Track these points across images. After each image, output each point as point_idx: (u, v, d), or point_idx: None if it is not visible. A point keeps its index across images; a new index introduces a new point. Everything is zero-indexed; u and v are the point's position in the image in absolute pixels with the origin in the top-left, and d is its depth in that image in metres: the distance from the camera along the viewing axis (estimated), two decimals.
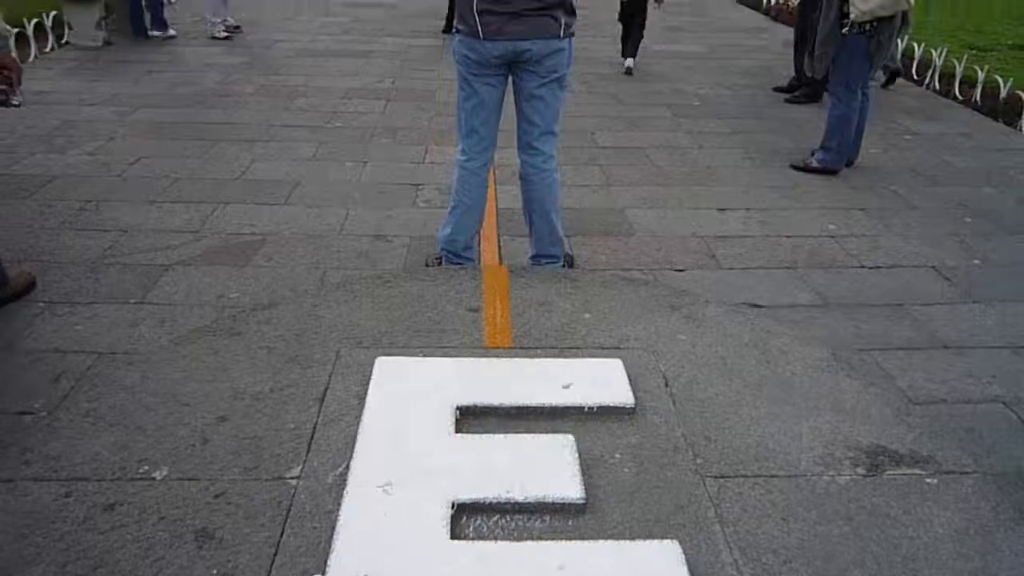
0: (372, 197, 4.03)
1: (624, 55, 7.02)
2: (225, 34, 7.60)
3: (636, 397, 2.23)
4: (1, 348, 2.62)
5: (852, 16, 4.22)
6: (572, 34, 2.83)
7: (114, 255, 3.32)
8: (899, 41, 4.52)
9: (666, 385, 2.35)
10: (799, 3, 6.35)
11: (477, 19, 2.70)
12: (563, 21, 2.76)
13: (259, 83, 6.06)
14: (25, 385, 2.41)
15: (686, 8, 10.33)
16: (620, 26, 7.10)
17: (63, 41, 7.10)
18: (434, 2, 9.34)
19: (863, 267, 3.49)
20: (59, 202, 3.85)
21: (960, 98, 6.46)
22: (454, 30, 2.85)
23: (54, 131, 4.85)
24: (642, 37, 7.01)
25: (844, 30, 4.31)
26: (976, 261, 3.61)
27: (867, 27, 4.26)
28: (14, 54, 2.92)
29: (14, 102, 2.94)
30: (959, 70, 6.62)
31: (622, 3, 7.07)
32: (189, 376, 2.38)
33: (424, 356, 2.42)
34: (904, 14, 4.29)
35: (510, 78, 2.90)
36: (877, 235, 3.82)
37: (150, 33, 7.59)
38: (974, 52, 8.16)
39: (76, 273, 3.15)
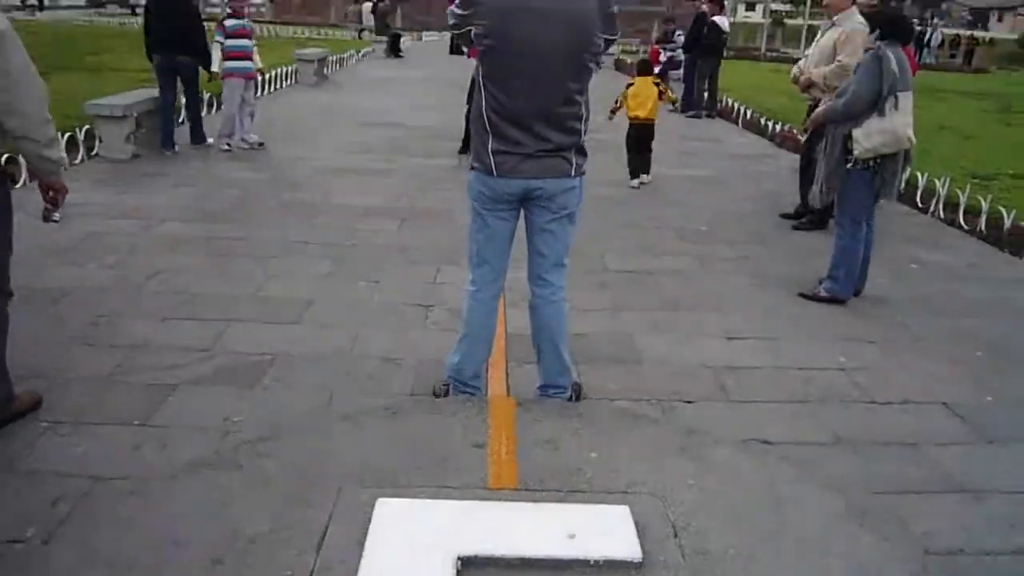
0: (383, 318, 4.06)
1: (632, 176, 7.34)
2: (227, 147, 7.90)
3: (644, 549, 2.16)
4: (0, 468, 2.60)
5: (856, 153, 4.35)
6: (583, 173, 2.93)
7: (122, 373, 3.34)
8: (902, 176, 4.64)
9: (675, 536, 2.29)
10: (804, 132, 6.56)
11: (492, 158, 2.80)
12: (575, 161, 2.86)
13: (280, 199, 6.25)
14: (21, 509, 2.37)
15: (694, 133, 10.70)
16: (628, 158, 7.43)
17: (93, 153, 7.39)
18: (452, 123, 9.74)
19: (874, 402, 3.45)
20: (73, 316, 3.91)
21: (965, 227, 6.56)
22: (469, 167, 2.95)
23: (77, 243, 4.97)
24: (651, 156, 7.41)
25: (848, 165, 4.44)
26: (989, 398, 3.56)
27: (871, 163, 4.38)
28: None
29: (54, 218, 3.07)
30: (963, 199, 6.76)
31: (630, 131, 7.40)
32: (187, 512, 2.34)
33: (427, 497, 2.37)
34: (906, 152, 4.43)
35: (522, 211, 2.98)
36: (887, 369, 3.80)
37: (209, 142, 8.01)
38: (977, 181, 8.35)
39: (82, 391, 3.16)
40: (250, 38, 8.04)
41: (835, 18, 5.94)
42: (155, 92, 8.11)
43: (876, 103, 4.25)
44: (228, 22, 7.84)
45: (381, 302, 4.29)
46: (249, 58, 8.01)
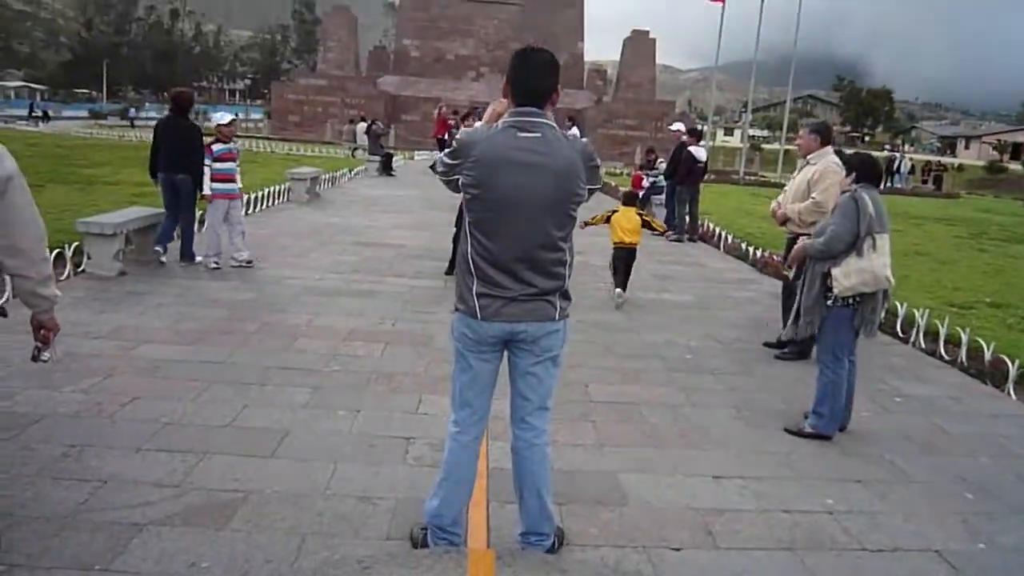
0: (362, 451, 3.97)
1: (616, 286, 7.80)
2: (216, 266, 8.00)
3: None
4: None
5: (836, 291, 4.43)
6: (567, 316, 2.94)
7: (88, 510, 3.21)
8: (881, 314, 4.70)
9: None
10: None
11: (476, 301, 2.82)
12: (559, 305, 2.88)
13: (263, 320, 6.23)
14: None
15: (676, 257, 10.91)
16: (612, 271, 7.90)
17: (80, 270, 7.40)
18: (439, 243, 9.91)
19: (864, 550, 3.36)
20: (43, 445, 3.79)
21: (946, 358, 6.61)
22: (453, 308, 2.96)
23: (54, 365, 4.88)
24: (630, 276, 7.86)
25: (829, 302, 4.51)
26: (981, 545, 3.49)
27: (850, 301, 4.46)
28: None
29: (43, 358, 3.02)
30: (943, 331, 6.85)
31: (615, 254, 7.78)
32: None
33: None
34: (885, 291, 4.51)
35: (505, 353, 2.97)
36: (876, 512, 3.72)
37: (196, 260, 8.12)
38: (955, 309, 8.51)
39: (45, 531, 3.02)
40: (235, 161, 8.30)
41: (808, 157, 6.20)
42: (146, 211, 8.31)
43: (854, 244, 4.37)
44: (216, 146, 8.12)
45: (360, 434, 4.20)
46: (234, 180, 8.28)
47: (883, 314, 4.80)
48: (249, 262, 8.25)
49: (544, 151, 2.74)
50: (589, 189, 2.87)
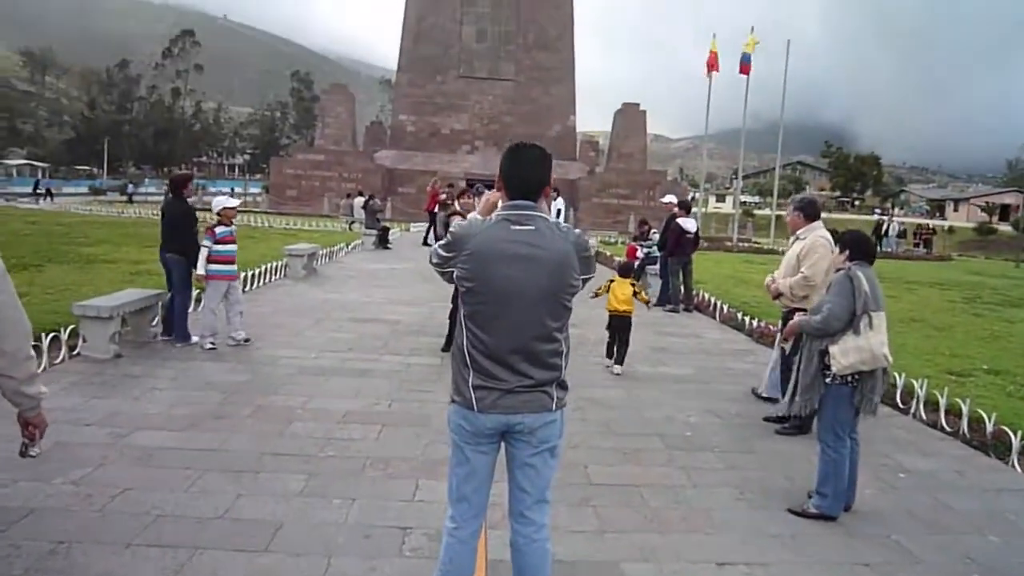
0: (357, 543, 3.88)
1: (608, 356, 8.18)
2: (211, 346, 7.97)
3: None
4: None
5: (834, 369, 4.43)
6: (564, 405, 2.93)
7: None
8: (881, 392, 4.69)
9: None
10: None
11: (472, 393, 2.81)
12: (556, 395, 2.87)
13: (257, 404, 6.17)
14: None
15: (672, 328, 10.91)
16: (607, 339, 8.24)
17: (75, 352, 7.37)
18: (435, 318, 9.91)
19: None
20: (30, 542, 3.71)
21: (948, 429, 6.55)
22: (450, 399, 2.95)
23: (45, 454, 4.79)
24: (628, 346, 8.11)
25: (827, 380, 4.50)
26: None
27: (849, 379, 4.44)
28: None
29: (31, 453, 2.98)
30: (943, 401, 6.81)
31: (611, 322, 8.17)
32: None
33: None
34: (884, 369, 4.50)
35: (503, 444, 2.94)
36: None
37: (193, 341, 8.10)
38: (953, 377, 8.48)
39: None
40: (235, 243, 8.39)
41: (798, 232, 6.29)
42: (142, 292, 8.39)
43: (851, 322, 4.39)
44: (218, 229, 8.17)
45: (356, 524, 4.11)
46: (233, 262, 8.37)
47: (883, 391, 4.77)
48: (246, 340, 8.24)
49: (538, 243, 2.77)
50: (583, 279, 2.89)
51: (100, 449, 5.00)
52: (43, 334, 7.22)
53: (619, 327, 8.17)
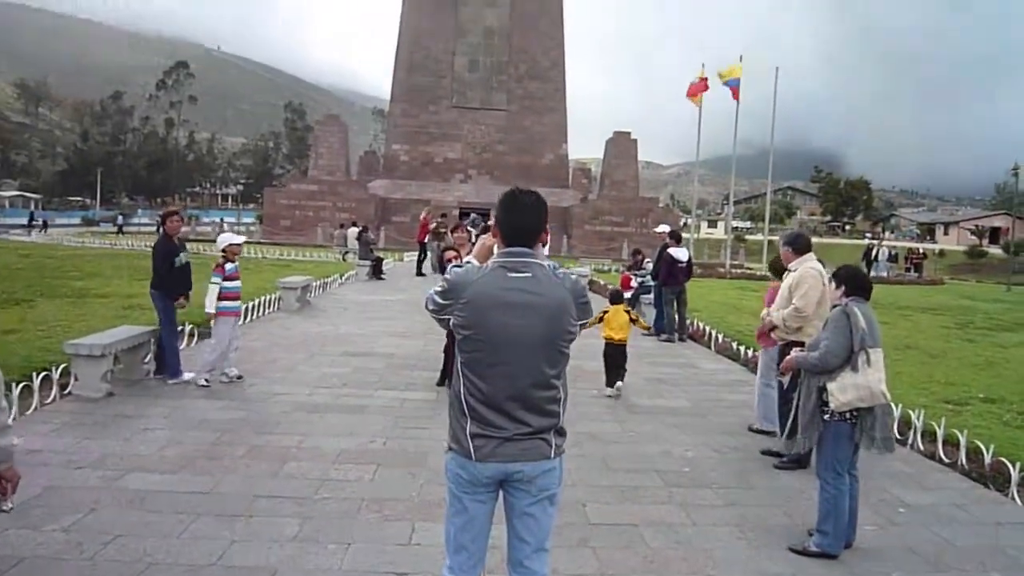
0: None
1: (608, 385, 8.35)
2: (205, 383, 7.90)
3: None
4: None
5: (832, 406, 4.41)
6: (563, 452, 2.90)
7: None
8: (892, 429, 4.65)
9: None
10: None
11: (470, 442, 2.78)
12: (554, 443, 2.84)
13: (251, 443, 6.10)
14: None
15: (668, 359, 10.89)
16: (604, 367, 8.45)
17: (66, 391, 7.30)
18: (430, 351, 9.86)
19: None
20: None
21: (946, 461, 6.52)
22: (447, 447, 2.91)
23: (35, 500, 4.75)
24: (624, 371, 8.43)
25: (826, 417, 4.47)
26: None
27: (847, 416, 4.43)
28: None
29: (4, 508, 2.93)
30: (940, 432, 6.78)
31: (606, 350, 8.40)
32: None
33: None
34: (885, 405, 4.48)
35: (501, 493, 2.91)
36: None
37: (184, 377, 8.03)
38: (950, 406, 8.46)
39: None
40: (240, 279, 8.41)
41: (789, 265, 6.31)
42: (135, 329, 8.34)
43: (849, 358, 4.38)
44: (228, 265, 8.20)
45: (351, 570, 4.05)
46: (240, 298, 8.41)
47: (894, 429, 4.72)
48: (239, 376, 8.18)
49: (535, 291, 2.77)
50: (580, 324, 2.88)
51: (91, 493, 4.93)
52: (34, 373, 7.17)
53: (614, 355, 8.35)
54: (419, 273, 22.39)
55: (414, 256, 24.41)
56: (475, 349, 2.78)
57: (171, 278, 8.10)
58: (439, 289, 2.88)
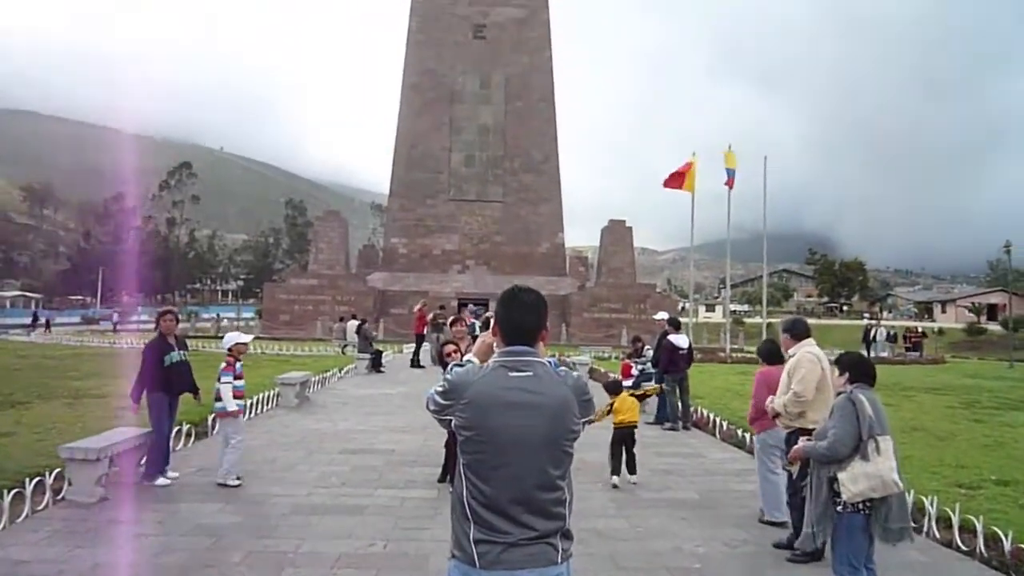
0: None
1: (613, 473, 8.27)
2: (237, 482, 7.88)
3: None
4: None
5: (844, 497, 4.31)
6: (570, 556, 2.81)
7: None
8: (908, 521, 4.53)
9: None
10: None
11: (473, 548, 2.70)
12: (560, 547, 2.76)
13: (247, 549, 5.92)
14: None
15: (673, 448, 10.72)
16: (611, 455, 8.39)
17: (59, 496, 7.13)
18: (430, 447, 9.70)
19: None
20: None
21: (964, 548, 6.33)
22: (450, 554, 2.82)
23: None
24: (634, 455, 8.38)
25: (839, 508, 4.36)
26: None
27: (860, 506, 4.32)
28: None
29: None
30: (955, 519, 6.60)
31: (615, 436, 8.39)
32: None
33: None
34: (898, 497, 4.37)
35: None
36: None
37: (157, 481, 7.87)
38: (963, 491, 8.27)
39: None
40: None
41: (789, 352, 6.30)
42: (131, 431, 8.21)
43: (857, 447, 4.31)
44: (238, 364, 8.31)
45: None
46: (243, 396, 8.56)
47: (909, 519, 4.60)
48: (239, 479, 8.02)
49: (537, 390, 2.74)
50: (584, 422, 2.85)
51: None
52: (27, 479, 7.03)
53: (625, 438, 8.38)
54: (414, 364, 22.28)
55: (412, 346, 24.34)
56: (477, 451, 2.73)
57: (161, 376, 8.06)
58: (439, 389, 2.85)
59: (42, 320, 50.27)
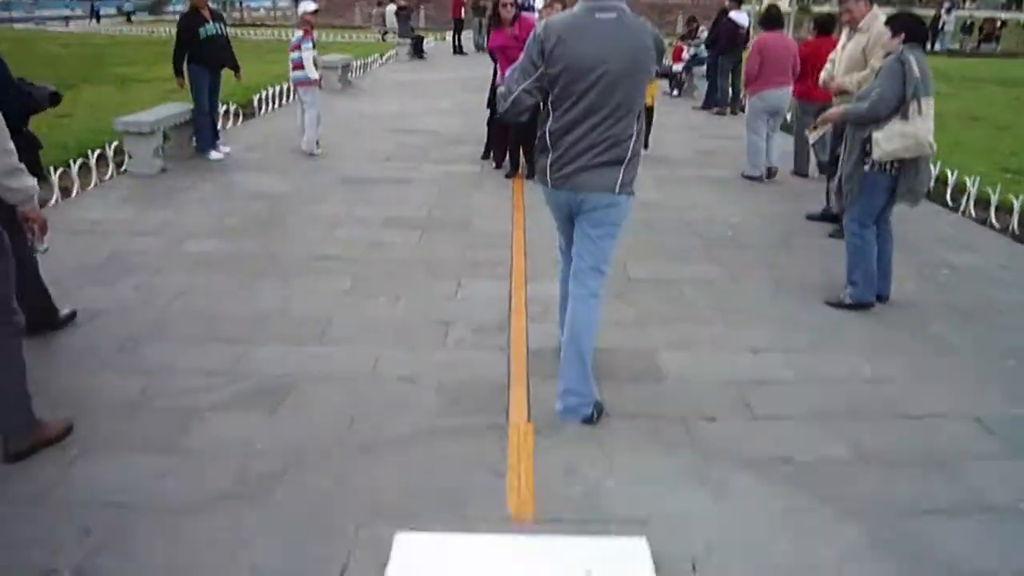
0: (404, 336, 4.07)
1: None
2: (319, 150, 8.39)
3: None
4: (34, 498, 2.65)
5: (875, 156, 4.27)
6: (631, 192, 3.12)
7: (148, 399, 3.38)
8: (928, 182, 4.53)
9: (693, 570, 2.26)
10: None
11: (548, 172, 3.13)
12: (622, 178, 3.05)
13: (302, 213, 6.29)
14: (53, 540, 2.42)
15: (716, 131, 10.57)
16: None
17: (122, 169, 7.51)
18: (472, 127, 9.73)
19: (902, 416, 3.39)
20: (101, 339, 3.97)
21: (997, 226, 6.41)
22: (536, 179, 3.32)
23: (103, 263, 5.06)
24: (650, 131, 8.27)
25: (866, 167, 4.35)
26: (1020, 411, 3.48)
27: (887, 167, 4.30)
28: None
29: (39, 249, 3.10)
30: (994, 198, 6.60)
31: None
32: (210, 546, 2.37)
33: (445, 530, 2.38)
34: (927, 160, 4.33)
35: None
36: (916, 381, 3.73)
37: (210, 155, 8.15)
38: (1009, 176, 8.16)
39: (110, 418, 3.21)
40: None
41: (860, 25, 5.81)
42: (180, 106, 8.31)
43: (899, 107, 4.17)
44: (313, 33, 8.37)
45: (402, 319, 4.30)
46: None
47: (931, 183, 4.62)
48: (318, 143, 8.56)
49: (620, 28, 2.95)
50: (655, 69, 3.15)
51: (155, 257, 5.20)
52: (89, 151, 7.35)
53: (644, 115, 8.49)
54: (456, 51, 21.57)
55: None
56: (562, 84, 2.97)
57: (198, 49, 7.95)
58: (527, 47, 3.01)
59: (113, 10, 48.36)
